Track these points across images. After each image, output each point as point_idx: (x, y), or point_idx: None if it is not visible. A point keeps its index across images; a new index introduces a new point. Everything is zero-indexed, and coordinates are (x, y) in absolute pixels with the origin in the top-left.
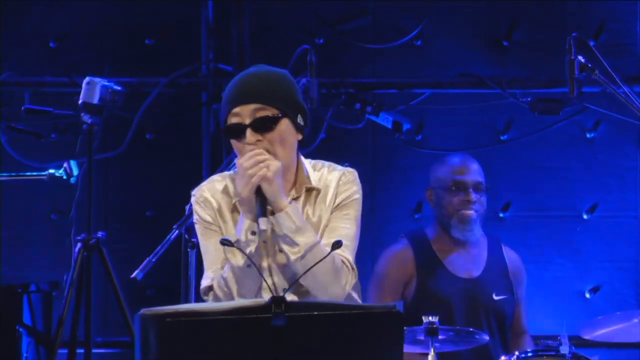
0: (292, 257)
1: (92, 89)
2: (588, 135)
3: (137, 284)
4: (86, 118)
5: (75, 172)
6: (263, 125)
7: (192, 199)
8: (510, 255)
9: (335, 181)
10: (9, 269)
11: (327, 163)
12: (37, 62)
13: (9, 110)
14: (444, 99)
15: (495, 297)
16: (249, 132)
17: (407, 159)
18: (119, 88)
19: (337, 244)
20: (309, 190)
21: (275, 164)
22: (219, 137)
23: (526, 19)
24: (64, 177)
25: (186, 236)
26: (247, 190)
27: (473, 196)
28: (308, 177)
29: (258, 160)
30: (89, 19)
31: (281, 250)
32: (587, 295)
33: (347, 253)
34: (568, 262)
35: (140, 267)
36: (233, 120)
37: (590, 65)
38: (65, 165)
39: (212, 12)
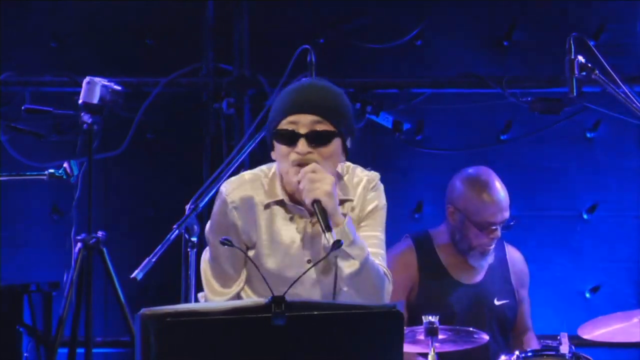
0: (347, 271)
1: (92, 88)
2: (588, 135)
3: (137, 284)
4: (86, 118)
5: (75, 172)
6: (318, 139)
7: (223, 197)
8: (513, 255)
9: (361, 189)
10: (9, 269)
11: (351, 166)
12: (37, 62)
13: (9, 110)
14: (444, 99)
15: (497, 302)
16: (302, 142)
17: (407, 158)
18: (119, 88)
19: (337, 244)
20: (341, 202)
21: (330, 179)
22: (219, 137)
23: (526, 19)
24: (64, 177)
25: (186, 236)
26: (308, 203)
27: (500, 233)
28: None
29: (313, 178)
30: (89, 19)
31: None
32: (587, 295)
33: (384, 262)
34: (568, 262)
35: (140, 267)
36: (287, 127)
37: (590, 65)
38: (65, 165)
39: (212, 12)
